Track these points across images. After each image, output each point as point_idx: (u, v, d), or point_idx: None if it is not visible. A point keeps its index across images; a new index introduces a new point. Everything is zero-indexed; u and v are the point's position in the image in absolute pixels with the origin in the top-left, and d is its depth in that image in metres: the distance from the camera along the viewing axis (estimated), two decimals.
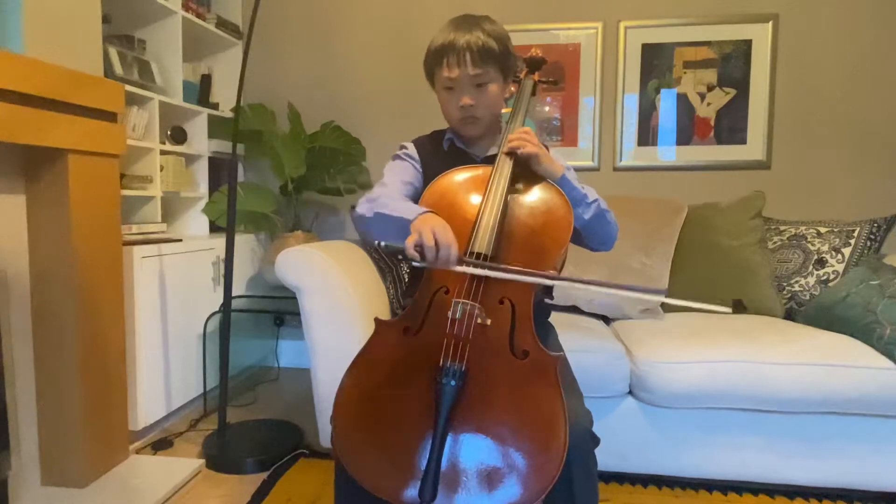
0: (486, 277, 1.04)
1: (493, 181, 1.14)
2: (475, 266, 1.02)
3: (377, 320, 1.10)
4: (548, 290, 1.32)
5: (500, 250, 1.08)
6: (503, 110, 1.35)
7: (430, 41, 1.29)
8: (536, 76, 1.39)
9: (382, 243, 1.02)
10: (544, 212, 1.14)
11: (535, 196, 1.16)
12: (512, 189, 1.15)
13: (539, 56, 1.41)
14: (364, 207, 1.21)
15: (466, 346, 1.01)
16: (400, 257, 1.02)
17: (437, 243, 1.00)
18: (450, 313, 1.03)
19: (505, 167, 1.16)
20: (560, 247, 1.12)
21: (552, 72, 1.44)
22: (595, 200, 1.25)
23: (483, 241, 1.07)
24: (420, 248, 1.00)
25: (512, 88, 1.37)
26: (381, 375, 1.05)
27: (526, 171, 1.19)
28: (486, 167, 1.19)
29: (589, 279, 1.01)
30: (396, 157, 1.39)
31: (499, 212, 1.10)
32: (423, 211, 1.10)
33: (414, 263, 1.01)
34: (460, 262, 1.02)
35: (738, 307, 0.99)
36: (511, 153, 1.18)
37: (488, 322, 1.03)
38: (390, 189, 1.27)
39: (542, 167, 1.18)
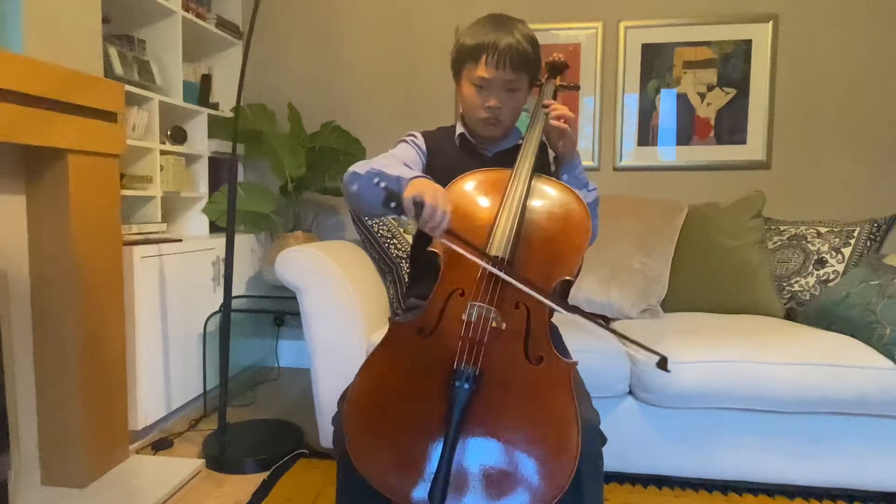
0: (503, 280, 1.03)
1: (512, 184, 1.14)
2: (454, 242, 1.01)
3: (391, 320, 1.09)
4: (563, 293, 1.32)
5: (517, 255, 1.08)
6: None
7: (462, 35, 1.28)
8: (558, 80, 1.39)
9: (382, 183, 0.98)
10: (562, 217, 1.13)
11: (553, 200, 1.15)
12: (530, 192, 1.14)
13: (561, 60, 1.40)
14: (357, 166, 1.19)
15: (481, 349, 1.00)
16: (392, 204, 0.98)
17: (437, 204, 0.98)
18: (465, 316, 1.02)
19: (524, 171, 1.15)
20: (578, 253, 1.11)
21: (567, 75, 1.43)
22: (595, 188, 1.29)
23: (500, 244, 1.06)
24: (419, 204, 0.97)
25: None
26: (395, 376, 1.04)
27: (542, 174, 1.19)
28: (505, 170, 1.19)
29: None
30: (403, 140, 1.39)
31: (517, 215, 1.09)
32: (422, 175, 1.09)
33: (402, 217, 0.99)
34: (447, 235, 1.00)
35: (662, 364, 1.00)
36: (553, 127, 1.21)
37: (503, 326, 1.02)
38: (388, 160, 1.27)
39: (570, 143, 1.22)
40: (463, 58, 1.28)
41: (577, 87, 1.46)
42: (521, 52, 1.22)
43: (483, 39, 1.23)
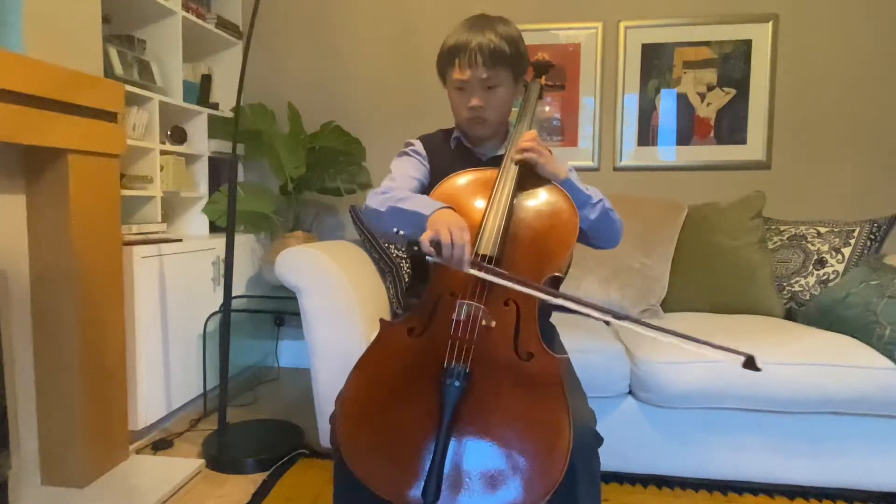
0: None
1: (500, 183, 1.14)
2: (487, 272, 1.01)
3: (382, 321, 1.10)
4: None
5: (506, 252, 1.08)
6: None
7: (445, 39, 1.29)
8: (543, 80, 1.39)
9: (401, 231, 1.02)
10: (550, 214, 1.14)
11: (541, 198, 1.16)
12: (518, 191, 1.15)
13: (546, 60, 1.40)
14: (375, 201, 1.20)
15: (471, 347, 1.01)
16: (416, 248, 1.01)
17: (452, 242, 0.98)
18: (454, 315, 1.03)
19: (511, 170, 1.16)
20: (566, 249, 1.11)
21: (557, 75, 1.43)
22: (600, 200, 1.26)
23: (488, 242, 1.07)
24: (437, 244, 0.99)
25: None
26: (386, 376, 1.05)
27: (532, 173, 1.19)
28: (493, 169, 1.19)
29: (597, 305, 0.99)
30: (403, 153, 1.39)
31: (504, 214, 1.09)
32: (439, 206, 1.09)
33: (428, 258, 1.00)
34: (473, 265, 1.01)
35: (750, 364, 0.97)
36: (519, 161, 1.17)
37: (493, 324, 1.03)
38: (399, 184, 1.27)
39: (548, 171, 1.18)
40: (443, 62, 1.29)
41: (562, 87, 1.46)
42: (494, 49, 1.21)
43: (456, 41, 1.24)
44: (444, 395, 0.98)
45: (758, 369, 0.95)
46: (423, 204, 1.12)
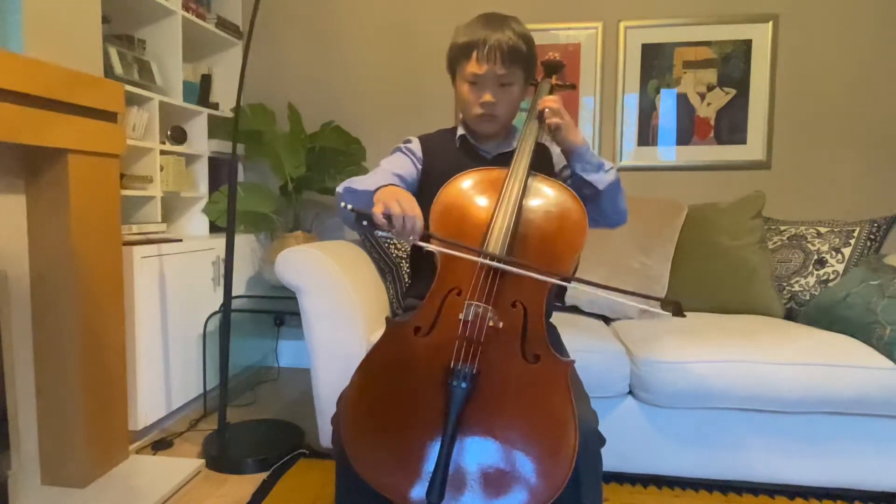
0: (499, 279, 1.03)
1: (508, 183, 1.14)
2: (433, 242, 1.01)
3: (388, 320, 1.09)
4: (559, 294, 1.32)
5: (514, 253, 1.08)
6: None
7: (455, 34, 1.29)
8: (554, 79, 1.39)
9: (349, 206, 1.00)
10: (559, 216, 1.14)
11: (550, 200, 1.15)
12: (526, 192, 1.15)
13: (557, 59, 1.41)
14: (340, 185, 1.27)
15: (478, 348, 1.00)
16: (365, 223, 1.00)
17: (403, 212, 0.99)
18: (461, 315, 1.02)
19: (520, 170, 1.16)
20: (574, 252, 1.11)
21: (571, 76, 1.44)
22: (612, 167, 1.28)
23: (496, 243, 1.06)
24: (388, 216, 1.00)
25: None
26: (391, 375, 1.04)
27: (541, 173, 1.19)
28: (501, 168, 1.19)
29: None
30: (397, 149, 1.40)
31: (513, 214, 1.09)
32: (386, 183, 1.11)
33: (378, 233, 1.00)
34: (423, 237, 1.02)
35: (677, 311, 1.00)
36: (541, 117, 1.21)
37: (500, 324, 1.02)
38: (379, 177, 1.28)
39: (568, 138, 1.21)
40: (456, 56, 1.29)
41: (573, 87, 1.46)
42: (512, 46, 1.22)
43: (474, 37, 1.24)
44: (450, 396, 0.97)
45: (683, 315, 1.00)
46: (371, 183, 1.15)
